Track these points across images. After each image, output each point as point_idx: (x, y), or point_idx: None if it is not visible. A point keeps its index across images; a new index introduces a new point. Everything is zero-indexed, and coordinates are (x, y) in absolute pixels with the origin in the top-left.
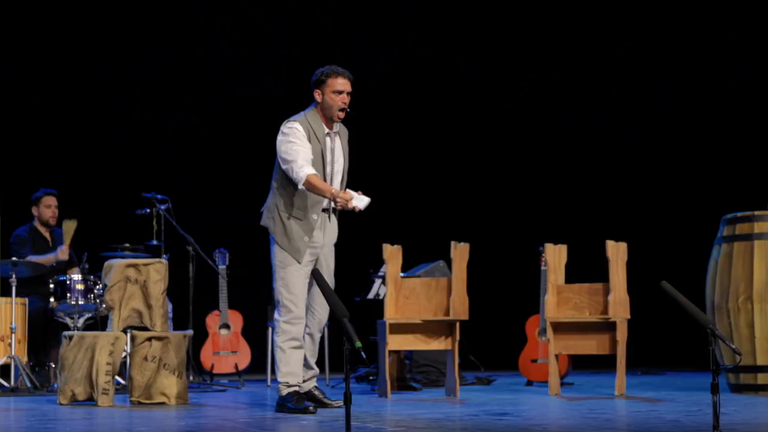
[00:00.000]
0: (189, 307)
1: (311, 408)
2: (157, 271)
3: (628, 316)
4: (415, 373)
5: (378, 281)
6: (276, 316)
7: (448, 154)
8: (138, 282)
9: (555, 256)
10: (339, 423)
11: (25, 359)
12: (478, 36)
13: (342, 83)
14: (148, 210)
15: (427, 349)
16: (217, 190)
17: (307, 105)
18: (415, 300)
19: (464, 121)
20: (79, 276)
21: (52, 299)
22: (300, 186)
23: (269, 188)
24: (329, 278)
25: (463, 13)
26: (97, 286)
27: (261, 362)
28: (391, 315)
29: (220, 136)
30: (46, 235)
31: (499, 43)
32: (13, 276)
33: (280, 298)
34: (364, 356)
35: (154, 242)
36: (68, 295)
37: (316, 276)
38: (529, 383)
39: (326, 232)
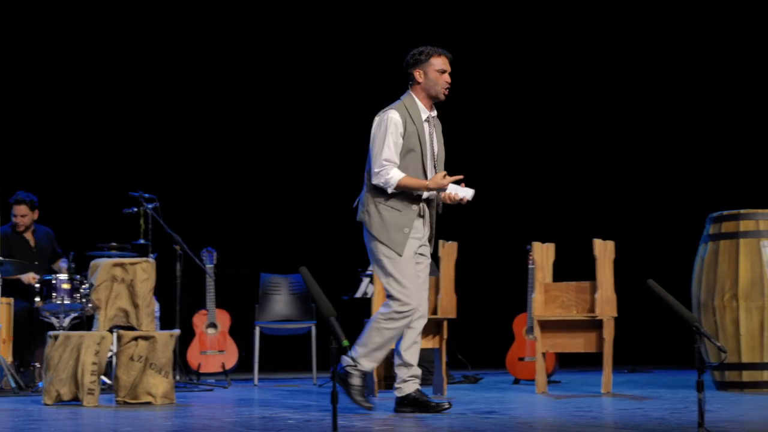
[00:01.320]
0: (176, 306)
1: (367, 404)
2: (143, 270)
3: (615, 314)
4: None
5: (366, 280)
6: (384, 309)
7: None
8: (124, 281)
9: (542, 255)
10: (326, 422)
11: (10, 359)
12: (451, 30)
13: (444, 62)
14: (136, 209)
15: None
16: (205, 190)
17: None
18: None
19: (451, 119)
20: (65, 275)
21: (37, 299)
22: (390, 190)
23: (362, 181)
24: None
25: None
26: (83, 286)
27: (248, 362)
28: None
29: (209, 135)
30: (28, 236)
31: (480, 34)
32: None
33: (392, 293)
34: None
35: (141, 241)
36: (54, 294)
37: (302, 274)
38: (516, 381)
39: (427, 225)
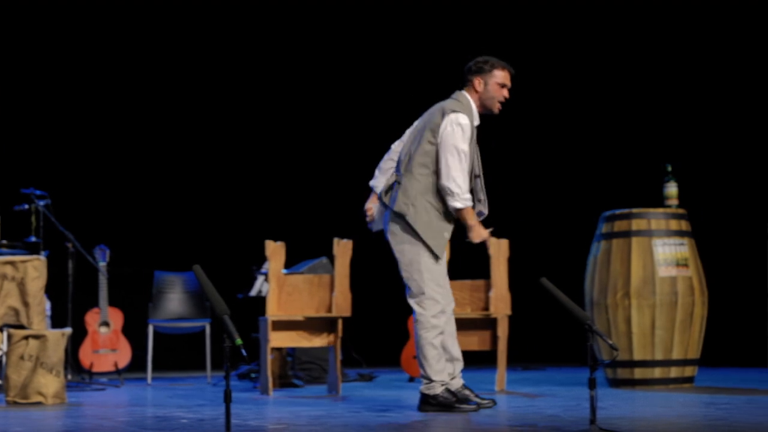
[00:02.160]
0: (68, 304)
1: (470, 398)
2: (35, 268)
3: (509, 313)
4: (298, 370)
5: (261, 278)
6: (420, 310)
7: (332, 151)
8: (15, 279)
9: None
10: (219, 421)
11: None
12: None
13: (506, 77)
14: (27, 206)
15: (309, 346)
16: (97, 187)
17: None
18: (298, 297)
19: (339, 118)
20: None
21: None
22: (450, 207)
23: (406, 171)
24: None
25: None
26: None
27: (141, 360)
28: (273, 312)
29: (100, 131)
30: None
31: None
32: None
33: (426, 291)
34: (244, 354)
35: (33, 239)
36: None
37: (196, 272)
38: (411, 379)
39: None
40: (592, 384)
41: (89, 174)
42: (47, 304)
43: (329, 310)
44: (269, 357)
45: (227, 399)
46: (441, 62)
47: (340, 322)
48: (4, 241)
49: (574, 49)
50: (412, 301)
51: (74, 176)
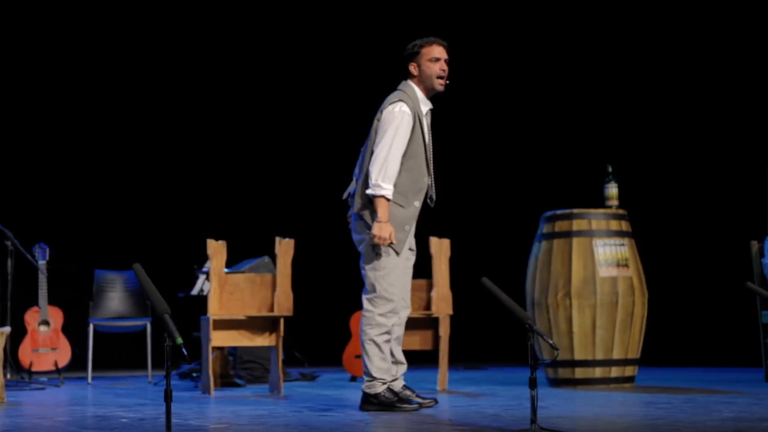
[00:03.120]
0: (7, 303)
1: (412, 399)
2: None
3: (451, 312)
4: (239, 369)
5: (202, 277)
6: (369, 307)
7: (274, 150)
8: None
9: None
10: (160, 420)
11: None
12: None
13: (439, 51)
14: None
15: (251, 345)
16: (36, 184)
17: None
18: (240, 296)
19: (283, 116)
20: None
21: None
22: (368, 191)
23: (361, 172)
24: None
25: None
26: None
27: (81, 359)
28: (214, 311)
29: (40, 128)
30: None
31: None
32: None
33: (377, 288)
34: (185, 353)
35: None
36: None
37: (136, 271)
38: (353, 379)
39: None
40: (532, 383)
41: (28, 171)
42: None
43: (271, 309)
44: (211, 356)
45: (168, 398)
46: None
47: (281, 321)
48: None
49: (517, 49)
50: (364, 298)
51: (13, 173)
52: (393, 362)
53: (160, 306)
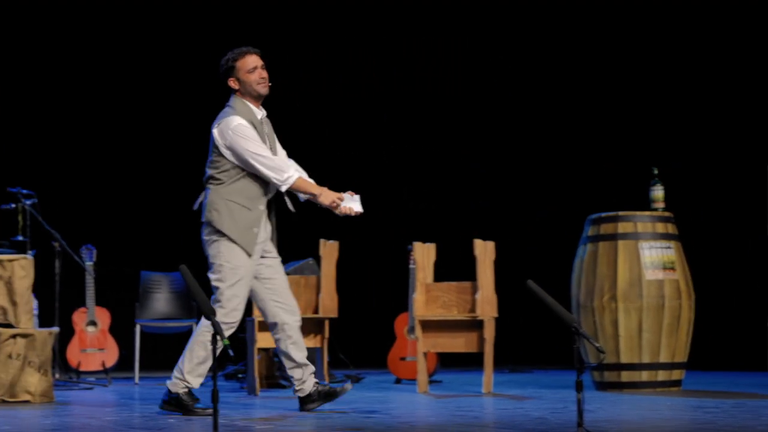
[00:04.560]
0: (55, 304)
1: (200, 410)
2: (22, 268)
3: (496, 315)
4: (284, 370)
5: None
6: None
7: (319, 153)
8: (2, 278)
9: (424, 255)
10: (207, 420)
11: None
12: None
13: (252, 60)
14: (14, 205)
15: None
16: (84, 186)
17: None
18: None
19: (331, 118)
20: None
21: None
22: (283, 189)
23: (205, 184)
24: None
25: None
26: None
27: (128, 360)
28: (259, 313)
29: (88, 130)
30: None
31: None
32: None
33: (221, 297)
34: (231, 354)
35: (20, 238)
36: None
37: (182, 272)
38: (398, 381)
39: (267, 226)
40: (579, 387)
41: (76, 173)
42: (34, 303)
43: (316, 311)
44: (256, 357)
45: (215, 399)
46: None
47: (326, 323)
48: None
49: (564, 52)
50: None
51: (61, 175)
52: (296, 366)
53: (207, 307)
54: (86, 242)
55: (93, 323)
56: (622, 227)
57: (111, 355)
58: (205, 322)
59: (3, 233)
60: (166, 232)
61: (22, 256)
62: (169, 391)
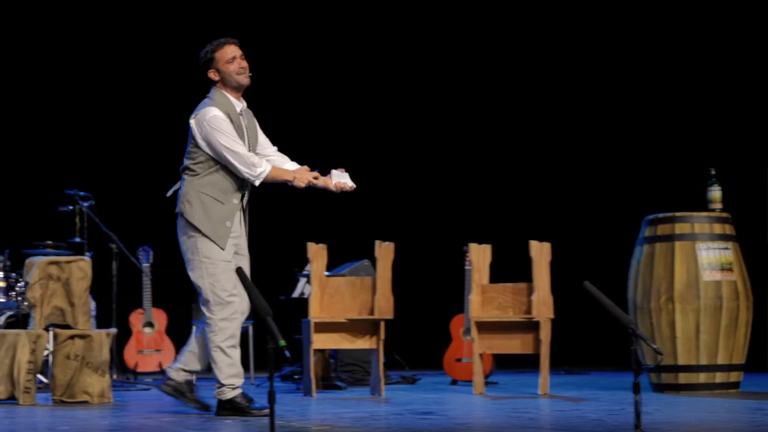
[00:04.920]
0: (112, 305)
1: (256, 411)
2: (80, 269)
3: (552, 316)
4: (340, 372)
5: (303, 280)
6: (208, 314)
7: (372, 154)
8: (60, 279)
9: (479, 256)
10: (263, 421)
11: None
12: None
13: (231, 50)
14: (71, 207)
15: (351, 348)
16: (141, 187)
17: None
18: (340, 299)
19: (389, 119)
20: (0, 273)
21: None
22: (256, 183)
23: (180, 178)
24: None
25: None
26: (19, 284)
27: None
28: (315, 314)
29: (143, 133)
30: None
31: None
32: None
33: (210, 294)
34: (288, 355)
35: (77, 239)
36: None
37: (239, 274)
38: (454, 382)
39: (242, 222)
40: (636, 388)
41: (133, 174)
42: (92, 305)
43: (371, 312)
44: (312, 359)
45: (272, 400)
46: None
47: (382, 324)
48: (49, 242)
49: (618, 52)
50: (201, 306)
51: (118, 177)
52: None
53: (263, 308)
54: (143, 244)
55: (150, 324)
56: (679, 228)
57: (167, 356)
58: (207, 329)
59: (61, 235)
60: None
61: (80, 257)
62: (220, 401)
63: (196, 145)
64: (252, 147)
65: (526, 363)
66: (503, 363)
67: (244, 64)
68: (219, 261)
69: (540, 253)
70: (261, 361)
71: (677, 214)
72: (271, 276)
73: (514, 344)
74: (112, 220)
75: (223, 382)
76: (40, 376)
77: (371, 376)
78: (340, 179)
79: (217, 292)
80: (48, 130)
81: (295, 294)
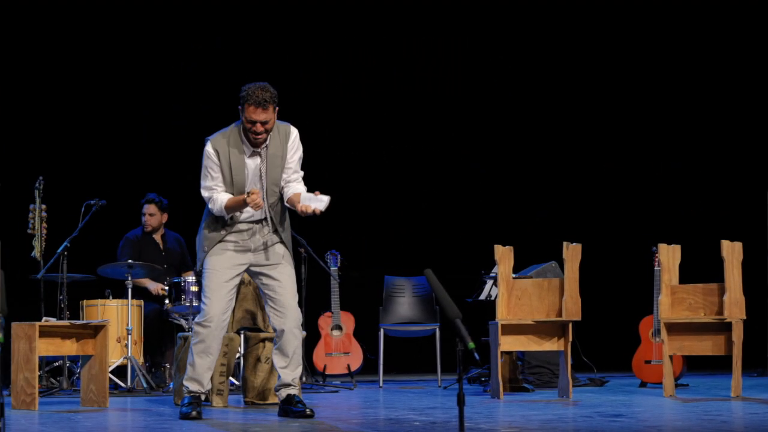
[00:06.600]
0: (301, 308)
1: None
2: None
3: (744, 317)
4: (528, 374)
5: (490, 282)
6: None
7: (559, 156)
8: (251, 284)
9: (669, 256)
10: (451, 424)
11: (141, 360)
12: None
13: (253, 113)
14: None
15: (539, 350)
16: (331, 192)
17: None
18: (527, 301)
19: (583, 122)
20: (193, 278)
21: (167, 301)
22: (226, 216)
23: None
24: (291, 291)
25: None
26: None
27: (373, 363)
28: (503, 316)
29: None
30: (157, 239)
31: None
32: (129, 278)
33: (202, 300)
34: (477, 357)
35: None
36: (183, 296)
37: (428, 276)
38: (643, 384)
39: (266, 251)
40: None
41: (323, 179)
42: None
43: (559, 314)
44: (499, 361)
45: (461, 402)
46: None
47: (570, 326)
48: None
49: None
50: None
51: (306, 181)
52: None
53: (452, 311)
54: (331, 248)
55: (338, 327)
56: None
57: (356, 358)
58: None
59: None
60: (409, 237)
61: None
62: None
63: None
64: (265, 186)
65: (717, 365)
66: (694, 365)
67: (260, 130)
68: (209, 269)
69: (732, 252)
70: (448, 364)
71: None
72: (458, 278)
73: (705, 346)
74: (301, 225)
75: (184, 382)
76: (232, 379)
77: (559, 378)
78: (306, 202)
79: (202, 299)
80: None
81: (483, 296)
